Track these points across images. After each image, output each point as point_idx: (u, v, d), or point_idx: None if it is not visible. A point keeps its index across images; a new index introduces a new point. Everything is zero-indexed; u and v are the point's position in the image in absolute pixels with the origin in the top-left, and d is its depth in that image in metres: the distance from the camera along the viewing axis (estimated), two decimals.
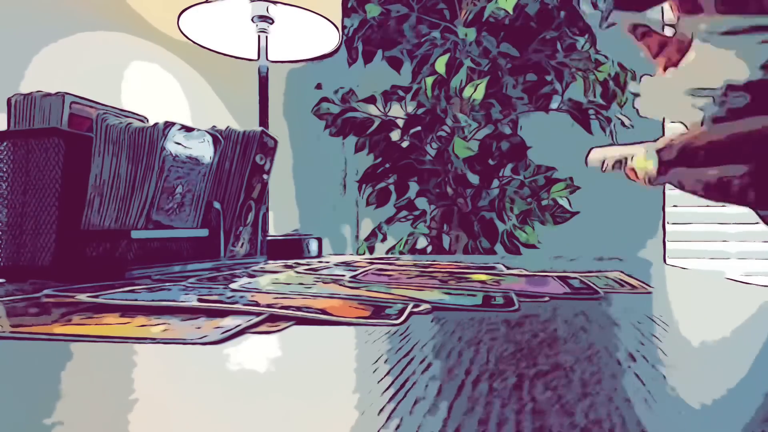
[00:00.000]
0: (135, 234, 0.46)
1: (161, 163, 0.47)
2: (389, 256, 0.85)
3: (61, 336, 0.22)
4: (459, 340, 0.21)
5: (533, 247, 1.62)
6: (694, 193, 0.37)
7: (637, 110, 0.43)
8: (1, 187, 0.47)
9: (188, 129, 0.50)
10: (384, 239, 1.77)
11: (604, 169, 0.42)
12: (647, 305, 0.31)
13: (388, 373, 0.17)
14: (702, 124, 0.35)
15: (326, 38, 1.16)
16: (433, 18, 1.65)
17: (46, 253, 0.45)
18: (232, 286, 0.35)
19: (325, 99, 1.67)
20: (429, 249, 1.70)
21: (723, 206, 1.75)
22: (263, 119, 1.07)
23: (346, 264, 0.56)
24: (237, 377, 0.17)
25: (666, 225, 1.97)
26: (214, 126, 0.60)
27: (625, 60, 1.76)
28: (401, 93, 1.65)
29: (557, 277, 0.44)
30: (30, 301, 0.32)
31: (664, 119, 1.78)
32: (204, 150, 0.52)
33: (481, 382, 0.15)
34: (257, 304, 0.28)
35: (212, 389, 0.16)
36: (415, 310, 0.28)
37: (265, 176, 0.62)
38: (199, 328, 0.23)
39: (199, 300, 0.30)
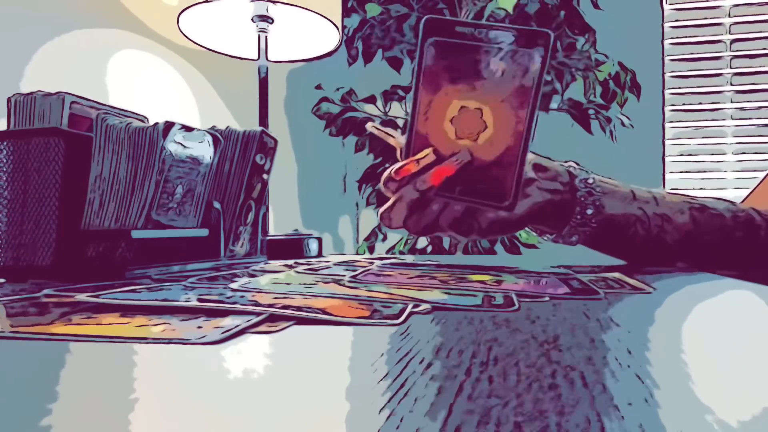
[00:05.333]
0: (135, 234, 0.46)
1: (161, 163, 0.47)
2: (389, 255, 0.85)
3: (61, 336, 0.22)
4: (459, 340, 0.21)
5: (533, 247, 1.62)
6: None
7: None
8: (1, 187, 0.47)
9: (188, 129, 0.50)
10: (384, 239, 1.77)
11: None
12: (647, 306, 0.31)
13: (388, 373, 0.17)
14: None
15: (326, 38, 1.16)
16: None
17: (46, 253, 0.45)
18: (232, 285, 0.35)
19: (325, 99, 1.67)
20: (429, 249, 1.70)
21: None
22: (263, 119, 1.07)
23: (346, 264, 0.56)
24: (237, 377, 0.17)
25: None
26: (214, 126, 0.60)
27: (625, 60, 1.76)
28: (401, 93, 1.65)
29: (557, 277, 0.44)
30: (30, 301, 0.32)
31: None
32: (204, 150, 0.52)
33: (481, 382, 0.15)
34: (257, 304, 0.28)
35: (212, 389, 0.16)
36: (415, 310, 0.28)
37: (265, 176, 0.62)
38: (199, 327, 0.23)
39: (199, 300, 0.30)
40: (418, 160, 0.45)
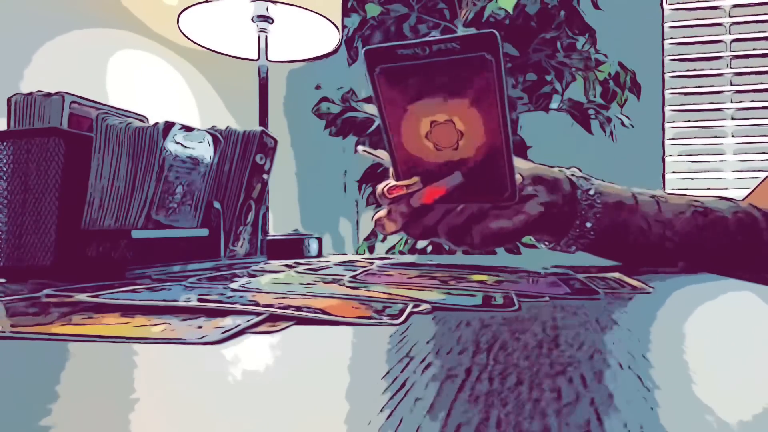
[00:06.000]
0: (135, 234, 0.46)
1: (161, 163, 0.47)
2: (389, 255, 0.85)
3: (61, 336, 0.22)
4: (459, 340, 0.21)
5: (533, 247, 1.62)
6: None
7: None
8: (1, 187, 0.47)
9: (188, 129, 0.50)
10: (384, 239, 1.77)
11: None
12: (647, 306, 0.31)
13: (388, 373, 0.17)
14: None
15: (326, 38, 1.16)
16: (433, 18, 1.65)
17: (46, 253, 0.45)
18: (232, 285, 0.35)
19: (325, 99, 1.67)
20: (429, 249, 1.70)
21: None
22: (263, 119, 1.07)
23: (346, 264, 0.56)
24: (237, 377, 0.17)
25: None
26: (214, 126, 0.60)
27: (625, 60, 1.76)
28: None
29: (557, 277, 0.44)
30: (30, 301, 0.32)
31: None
32: (204, 150, 0.52)
33: (481, 382, 0.15)
34: (257, 304, 0.28)
35: (212, 389, 0.16)
36: (415, 310, 0.28)
37: (265, 176, 0.62)
38: (199, 327, 0.23)
39: (199, 300, 0.30)
40: (407, 186, 0.45)
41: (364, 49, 0.41)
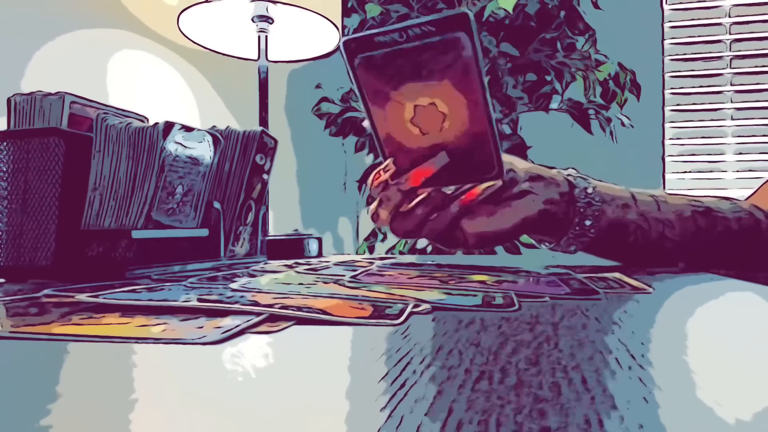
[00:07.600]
0: (135, 234, 0.46)
1: (161, 163, 0.47)
2: (389, 255, 0.85)
3: (61, 336, 0.22)
4: (459, 340, 0.21)
5: (533, 247, 1.62)
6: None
7: None
8: (1, 187, 0.47)
9: (188, 129, 0.50)
10: (384, 239, 1.77)
11: None
12: (647, 306, 0.31)
13: (388, 373, 0.17)
14: None
15: (326, 38, 1.16)
16: None
17: (46, 253, 0.45)
18: (232, 285, 0.35)
19: (325, 99, 1.67)
20: (429, 249, 1.70)
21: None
22: (263, 119, 1.07)
23: (346, 264, 0.56)
24: (237, 377, 0.17)
25: None
26: (214, 126, 0.60)
27: (625, 60, 1.76)
28: None
29: (557, 277, 0.44)
30: (30, 301, 0.32)
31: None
32: (204, 150, 0.52)
33: (481, 381, 0.15)
34: (257, 304, 0.28)
35: (212, 389, 0.16)
36: (415, 310, 0.28)
37: (265, 176, 0.62)
38: (199, 328, 0.23)
39: (199, 300, 0.30)
40: (384, 170, 0.46)
41: (343, 40, 0.41)
